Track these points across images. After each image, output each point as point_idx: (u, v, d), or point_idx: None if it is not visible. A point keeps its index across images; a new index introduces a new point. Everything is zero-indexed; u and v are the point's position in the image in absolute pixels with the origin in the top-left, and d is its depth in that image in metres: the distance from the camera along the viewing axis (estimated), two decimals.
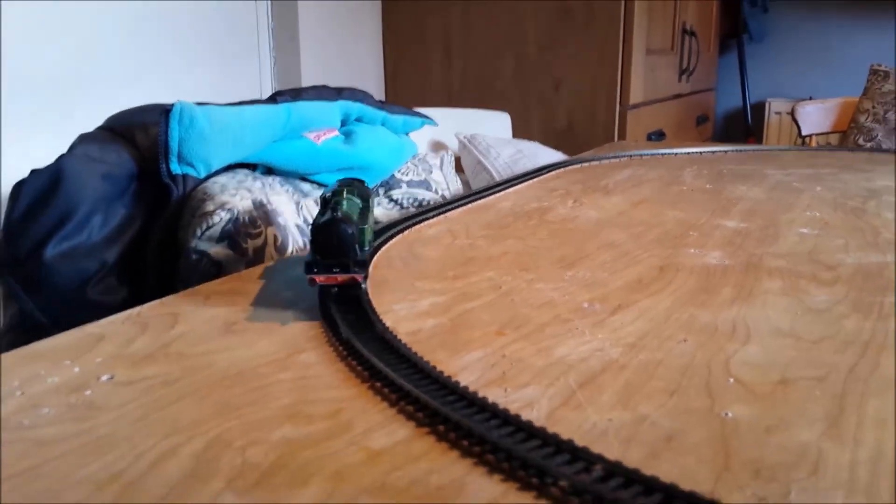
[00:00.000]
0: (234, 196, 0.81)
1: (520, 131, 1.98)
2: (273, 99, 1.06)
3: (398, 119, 1.28)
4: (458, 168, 1.72)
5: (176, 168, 0.87)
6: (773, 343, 0.59)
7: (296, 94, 1.07)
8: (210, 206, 0.77)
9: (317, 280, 0.61)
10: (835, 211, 1.06)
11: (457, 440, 0.43)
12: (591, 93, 1.99)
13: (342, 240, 0.60)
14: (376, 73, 2.37)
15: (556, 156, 1.71)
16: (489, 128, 1.83)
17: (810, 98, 2.96)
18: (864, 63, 2.73)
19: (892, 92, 2.69)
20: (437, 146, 1.81)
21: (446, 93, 2.24)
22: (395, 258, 0.83)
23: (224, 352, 0.57)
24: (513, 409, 0.46)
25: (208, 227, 0.76)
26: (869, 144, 2.69)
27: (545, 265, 0.80)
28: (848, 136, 2.77)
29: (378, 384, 0.50)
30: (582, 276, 0.77)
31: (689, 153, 1.62)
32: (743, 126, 3.04)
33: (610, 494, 0.35)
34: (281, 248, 0.86)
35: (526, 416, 0.45)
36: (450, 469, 0.41)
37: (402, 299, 0.69)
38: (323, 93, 1.11)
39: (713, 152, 1.64)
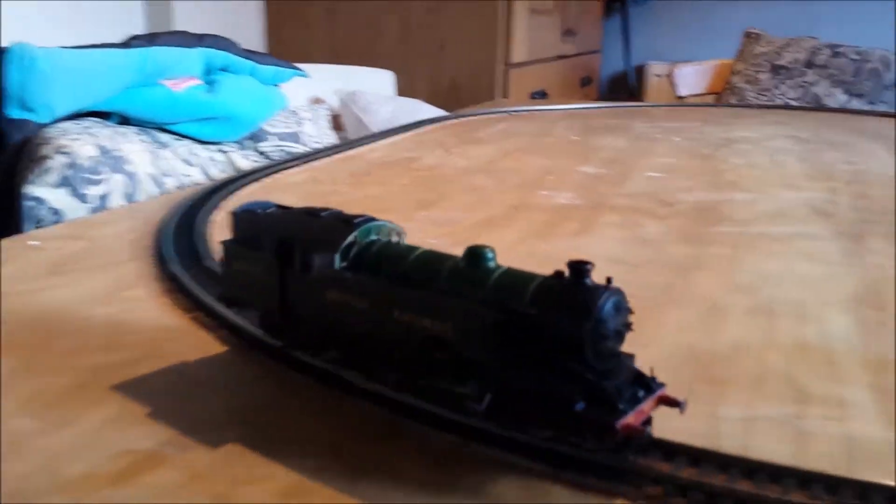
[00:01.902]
0: (76, 141, 0.78)
1: (405, 90, 1.98)
2: (127, 44, 1.01)
3: (268, 70, 1.25)
4: (339, 126, 1.71)
5: (15, 112, 0.83)
6: (602, 267, 0.61)
7: (152, 38, 1.03)
8: (47, 151, 0.74)
9: None
10: (687, 158, 1.11)
11: (271, 362, 0.43)
12: (475, 52, 2.00)
13: None
14: (258, 28, 2.31)
15: (437, 113, 1.72)
16: (372, 86, 1.82)
17: (688, 61, 3.07)
18: (740, 27, 2.84)
19: (764, 54, 2.82)
20: (319, 103, 1.79)
21: (330, 50, 2.20)
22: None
23: (48, 290, 0.55)
24: None
25: (44, 172, 0.73)
26: (743, 103, 2.81)
27: (402, 207, 0.81)
28: (722, 97, 2.89)
29: (200, 314, 0.49)
30: (436, 216, 0.78)
31: (562, 109, 1.65)
32: (626, 88, 3.13)
33: None
34: (130, 197, 0.83)
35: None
36: (262, 385, 0.41)
37: None
38: (182, 39, 1.07)
39: (585, 108, 1.68)
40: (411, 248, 0.38)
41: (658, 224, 0.75)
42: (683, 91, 2.93)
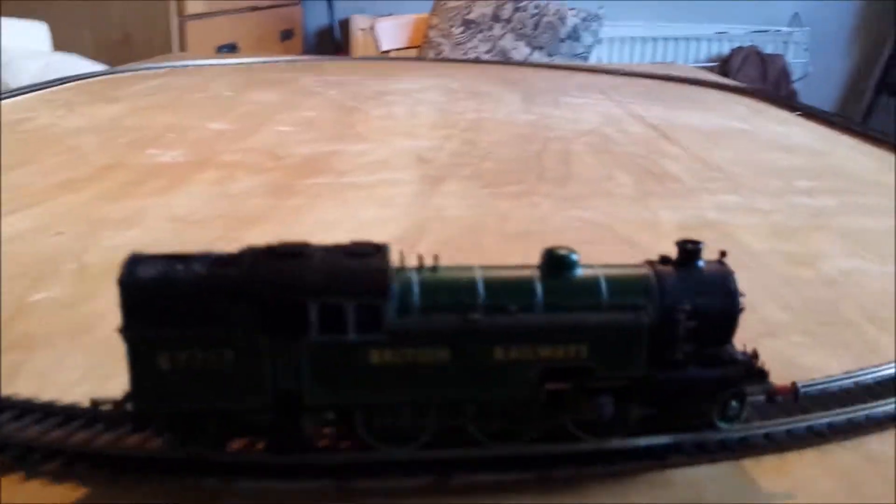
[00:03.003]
0: None
1: (68, 44, 1.80)
2: None
3: None
4: None
5: None
6: (158, 226, 0.60)
7: None
8: None
9: None
10: (330, 111, 1.12)
11: None
12: (145, 2, 1.87)
13: None
14: None
15: (95, 69, 1.58)
16: (22, 40, 1.63)
17: (390, 14, 3.12)
18: None
19: (457, 8, 2.94)
20: None
21: None
22: None
23: None
24: None
25: None
26: (440, 57, 2.92)
27: None
28: (422, 51, 2.98)
29: None
30: (12, 180, 0.71)
31: (233, 64, 1.60)
32: (332, 42, 3.13)
33: None
34: None
35: None
36: None
37: None
38: None
39: (262, 62, 1.64)
40: (459, 272, 0.31)
41: (254, 178, 0.75)
42: (385, 45, 2.97)
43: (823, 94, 3.39)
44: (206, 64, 1.56)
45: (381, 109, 1.15)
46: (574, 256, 0.31)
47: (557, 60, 2.89)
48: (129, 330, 0.27)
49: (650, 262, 0.32)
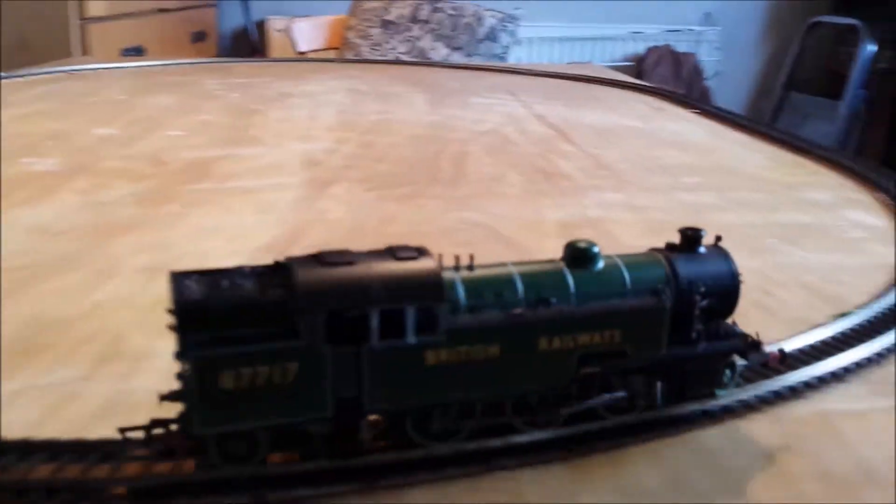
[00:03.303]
0: None
1: None
2: None
3: None
4: None
5: None
6: (14, 238, 0.57)
7: None
8: None
9: None
10: (227, 114, 1.10)
11: None
12: (43, 6, 1.79)
13: None
14: None
15: None
16: None
17: (307, 16, 3.09)
18: None
19: (374, 9, 2.93)
20: None
21: None
22: None
23: None
24: None
25: None
26: (358, 59, 2.90)
27: None
28: (340, 52, 2.95)
29: None
30: None
31: (134, 67, 1.55)
32: (248, 43, 3.08)
33: None
34: None
35: None
36: None
37: None
38: None
39: (162, 65, 1.60)
40: (496, 270, 0.32)
41: (131, 186, 0.72)
42: (303, 46, 2.93)
43: (735, 91, 3.50)
44: (104, 67, 1.51)
45: (282, 112, 1.13)
46: (595, 248, 0.33)
47: (476, 61, 2.91)
48: (192, 351, 0.26)
49: (658, 250, 0.35)
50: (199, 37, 2.70)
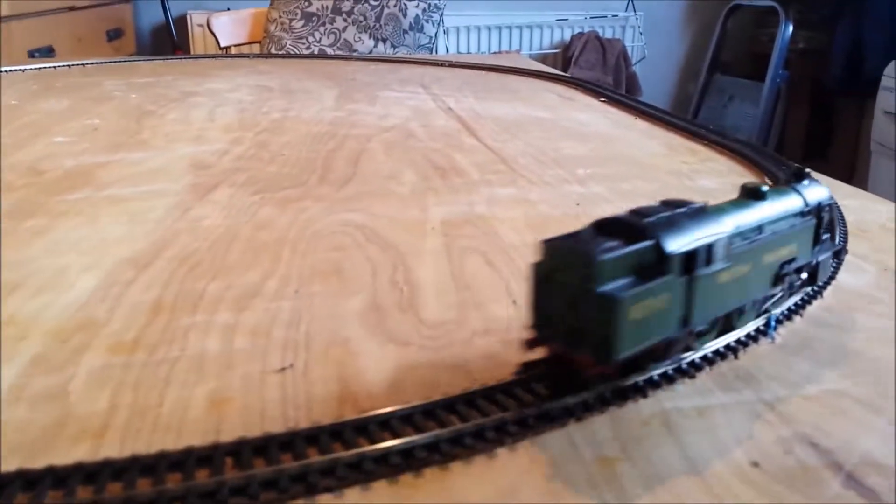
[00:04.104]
0: None
1: None
2: None
3: None
4: None
5: None
6: None
7: None
8: None
9: None
10: (119, 117, 1.06)
11: None
12: None
13: None
14: None
15: None
16: None
17: (228, 10, 3.02)
18: None
19: (296, 1, 2.87)
20: None
21: None
22: None
23: None
24: None
25: None
26: (281, 52, 2.85)
27: None
28: (263, 46, 2.90)
29: None
30: None
31: (36, 69, 1.49)
32: (169, 39, 3.00)
33: None
34: None
35: None
36: None
37: None
38: None
39: (64, 66, 1.54)
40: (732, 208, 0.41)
41: (3, 197, 0.69)
42: (224, 41, 2.87)
43: (661, 75, 3.56)
44: (3, 71, 1.44)
45: (179, 112, 1.10)
46: (764, 188, 0.42)
47: (402, 52, 2.89)
48: (614, 293, 0.33)
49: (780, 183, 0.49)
50: (115, 34, 2.62)
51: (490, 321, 0.46)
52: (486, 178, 0.79)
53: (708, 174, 0.82)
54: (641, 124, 1.07)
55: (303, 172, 0.80)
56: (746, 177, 0.80)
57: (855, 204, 0.70)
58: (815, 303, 0.49)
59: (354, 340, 0.43)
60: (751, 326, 0.44)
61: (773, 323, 0.45)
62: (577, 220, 0.66)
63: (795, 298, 0.48)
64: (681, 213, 0.38)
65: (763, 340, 0.44)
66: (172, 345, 0.42)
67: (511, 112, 1.16)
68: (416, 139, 0.97)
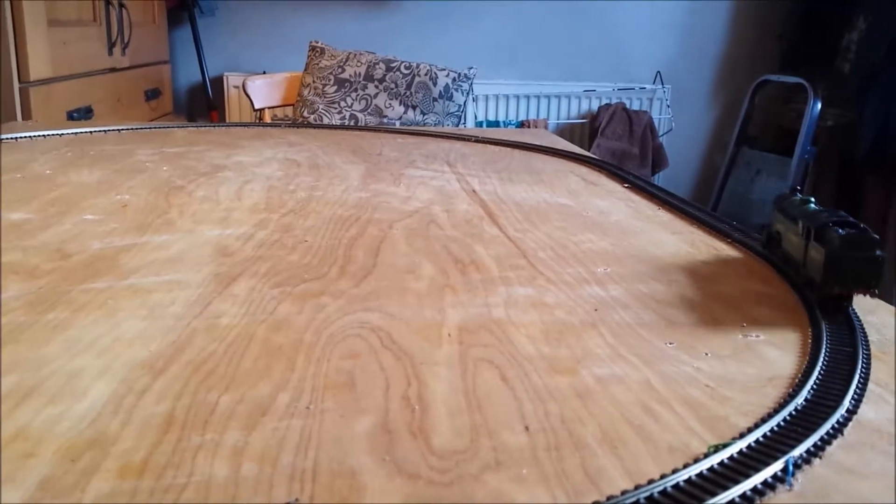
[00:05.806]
0: None
1: None
2: None
3: None
4: None
5: None
6: None
7: None
8: None
9: None
10: (149, 192, 1.08)
11: None
12: None
13: None
14: None
15: None
16: None
17: (263, 72, 3.10)
18: (308, 39, 2.93)
19: (329, 67, 2.95)
20: None
21: None
22: None
23: None
24: None
25: None
26: (312, 116, 2.91)
27: None
28: (296, 109, 2.97)
29: None
30: None
31: (70, 134, 1.53)
32: (205, 100, 3.08)
33: None
34: None
35: None
36: None
37: None
38: None
39: (99, 131, 1.58)
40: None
41: (21, 286, 0.70)
42: (258, 103, 2.95)
43: (688, 146, 3.57)
44: (41, 135, 1.49)
45: (208, 189, 1.12)
46: (806, 198, 0.69)
47: (431, 118, 2.94)
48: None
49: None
50: (153, 94, 2.69)
51: (501, 452, 0.46)
52: (504, 274, 0.79)
53: (728, 278, 0.81)
54: (664, 215, 1.07)
55: (323, 263, 0.81)
56: (768, 285, 0.79)
57: (876, 320, 0.69)
58: (836, 442, 0.48)
59: (361, 472, 0.43)
60: (767, 473, 0.43)
61: (790, 468, 0.43)
62: (593, 329, 0.65)
63: (815, 438, 0.46)
64: None
65: (780, 488, 0.43)
66: (180, 469, 0.42)
67: (533, 197, 1.16)
68: (437, 226, 0.97)
